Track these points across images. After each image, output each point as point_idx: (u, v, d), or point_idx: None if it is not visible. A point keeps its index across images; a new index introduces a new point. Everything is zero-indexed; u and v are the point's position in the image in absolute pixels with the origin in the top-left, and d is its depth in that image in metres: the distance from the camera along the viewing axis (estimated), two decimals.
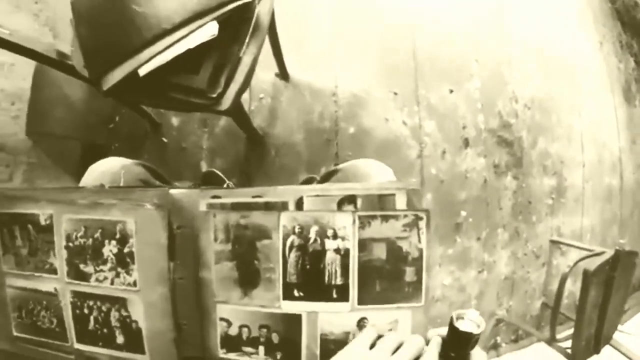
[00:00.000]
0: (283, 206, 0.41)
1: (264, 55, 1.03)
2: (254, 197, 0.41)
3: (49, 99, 1.10)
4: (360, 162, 0.60)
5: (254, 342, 0.42)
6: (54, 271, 0.42)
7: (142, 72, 0.70)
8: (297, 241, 0.42)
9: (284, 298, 0.42)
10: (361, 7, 1.25)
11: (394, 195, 0.43)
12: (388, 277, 0.42)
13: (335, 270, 0.42)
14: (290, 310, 0.42)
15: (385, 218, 0.41)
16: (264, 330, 0.42)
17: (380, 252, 0.42)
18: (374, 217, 0.41)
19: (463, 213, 1.26)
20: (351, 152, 1.10)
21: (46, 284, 0.43)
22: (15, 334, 0.44)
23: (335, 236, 0.42)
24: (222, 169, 1.01)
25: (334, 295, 0.42)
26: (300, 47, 1.12)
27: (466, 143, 1.29)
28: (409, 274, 0.43)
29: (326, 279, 0.42)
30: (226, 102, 0.74)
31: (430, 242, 0.43)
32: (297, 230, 0.41)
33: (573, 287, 1.41)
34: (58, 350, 0.43)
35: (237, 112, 0.86)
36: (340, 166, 0.62)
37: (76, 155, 1.09)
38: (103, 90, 0.72)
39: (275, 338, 0.42)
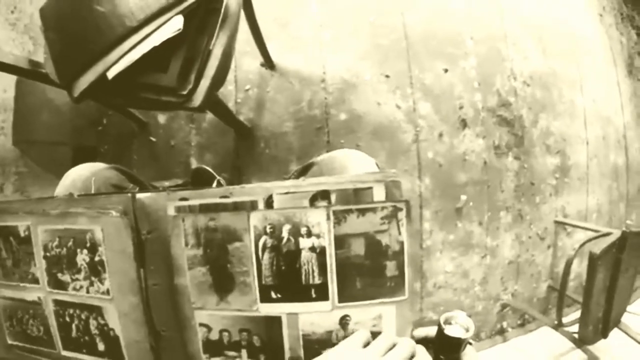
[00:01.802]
0: (252, 205, 0.39)
1: (248, 45, 1.00)
2: (221, 197, 0.39)
3: (34, 106, 1.08)
4: (338, 153, 0.57)
5: (236, 346, 0.41)
6: (36, 281, 0.42)
7: (110, 74, 0.68)
8: (269, 242, 0.40)
9: (262, 301, 0.41)
10: None
11: (370, 188, 0.40)
12: (368, 273, 0.40)
13: (313, 270, 0.40)
14: (269, 312, 0.41)
15: (362, 212, 0.39)
16: (245, 334, 0.41)
17: (358, 247, 0.40)
18: (349, 211, 0.39)
19: (463, 197, 1.22)
20: (343, 140, 1.07)
21: (30, 294, 0.43)
22: (9, 342, 0.45)
23: (309, 234, 0.40)
24: (212, 164, 0.99)
25: (313, 295, 0.41)
26: (284, 32, 1.08)
27: (464, 124, 1.25)
28: (390, 268, 0.40)
29: (303, 278, 0.40)
30: (197, 99, 0.71)
31: (415, 234, 0.41)
32: (268, 230, 0.40)
33: (579, 268, 1.37)
34: (48, 357, 0.44)
35: (215, 106, 0.84)
36: (317, 159, 0.60)
37: (67, 159, 1.08)
38: (74, 97, 0.71)
39: (256, 341, 0.41)
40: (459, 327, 0.37)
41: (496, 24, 1.32)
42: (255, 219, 0.39)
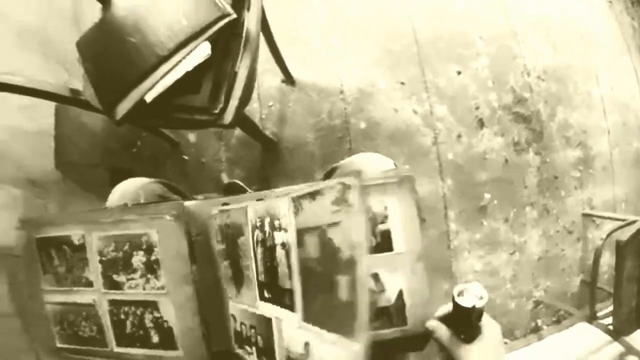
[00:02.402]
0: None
1: (268, 62, 1.06)
2: (257, 200, 0.42)
3: (72, 131, 1.17)
4: (357, 156, 0.61)
5: (249, 342, 0.43)
6: (90, 284, 0.47)
7: (148, 98, 0.75)
8: (259, 235, 0.40)
9: (260, 298, 0.41)
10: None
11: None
12: (323, 287, 0.33)
13: (285, 270, 0.37)
14: (264, 312, 0.40)
15: (313, 195, 0.35)
16: (253, 330, 0.42)
17: (312, 248, 0.34)
18: (304, 196, 0.36)
19: (487, 195, 1.23)
20: (364, 147, 1.10)
21: (84, 297, 0.47)
22: (58, 345, 0.49)
23: (280, 227, 0.37)
24: (241, 178, 1.04)
25: (287, 302, 0.37)
26: (295, 46, 1.14)
27: (481, 124, 1.27)
28: (342, 286, 0.30)
29: (279, 280, 0.37)
30: (228, 116, 0.78)
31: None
32: (258, 223, 0.40)
33: (612, 259, 1.35)
34: (99, 356, 0.47)
35: (243, 122, 0.89)
36: (339, 163, 0.64)
37: (105, 180, 1.15)
38: (116, 120, 0.77)
39: (260, 341, 0.41)
40: (472, 296, 0.36)
41: (502, 22, 1.35)
42: (251, 212, 0.41)
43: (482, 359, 0.36)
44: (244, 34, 0.82)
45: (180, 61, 0.74)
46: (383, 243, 0.40)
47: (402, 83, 1.21)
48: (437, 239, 1.18)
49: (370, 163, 0.57)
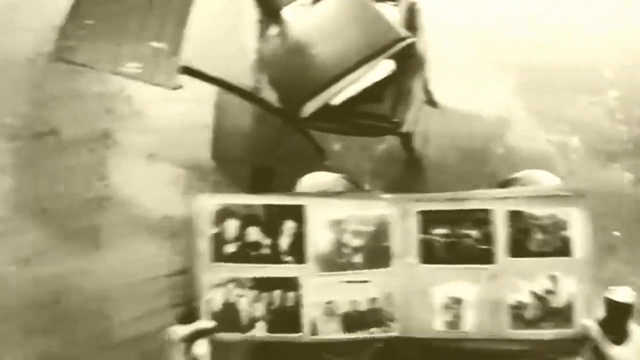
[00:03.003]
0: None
1: None
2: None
3: (227, 128, 1.31)
4: (530, 172, 0.69)
5: None
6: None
7: (336, 102, 0.86)
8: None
9: None
10: (496, 28, 1.29)
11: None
12: None
13: None
14: None
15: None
16: None
17: None
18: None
19: (616, 233, 1.21)
20: (501, 172, 1.13)
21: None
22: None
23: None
24: (382, 189, 1.11)
25: None
26: (443, 71, 1.19)
27: (612, 157, 1.25)
28: None
29: None
30: (407, 126, 0.88)
31: None
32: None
33: None
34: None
35: (407, 135, 0.97)
36: (516, 175, 0.70)
37: (246, 176, 1.28)
38: (301, 118, 0.88)
39: None
40: (624, 295, 0.39)
41: (634, 51, 1.31)
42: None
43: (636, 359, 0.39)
44: (416, 55, 0.91)
45: (365, 73, 0.85)
46: (563, 248, 0.45)
47: (538, 112, 1.22)
48: None
49: (544, 177, 0.65)
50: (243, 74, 1.14)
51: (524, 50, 1.28)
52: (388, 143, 1.15)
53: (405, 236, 0.47)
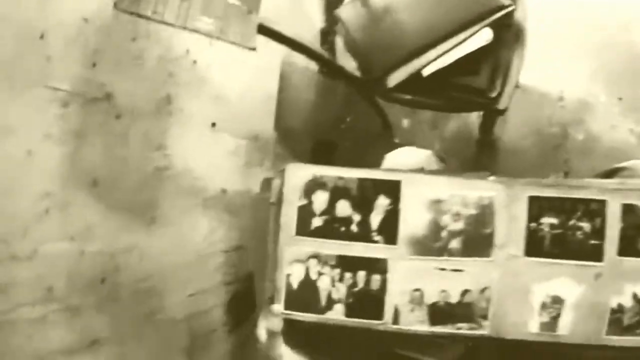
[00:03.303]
0: None
1: None
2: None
3: (292, 99, 1.29)
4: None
5: None
6: None
7: (425, 72, 0.80)
8: None
9: None
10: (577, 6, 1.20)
11: None
12: None
13: None
14: None
15: None
16: None
17: None
18: None
19: None
20: (578, 160, 1.08)
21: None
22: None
23: None
24: (451, 170, 1.08)
25: None
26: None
27: None
28: None
29: None
30: (504, 102, 0.82)
31: None
32: None
33: None
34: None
35: (502, 112, 0.92)
36: (625, 164, 0.65)
37: (307, 150, 1.26)
38: (387, 88, 0.84)
39: None
40: None
41: None
42: None
43: None
44: (516, 25, 0.85)
45: (460, 43, 0.79)
46: None
47: (620, 99, 1.15)
48: None
49: None
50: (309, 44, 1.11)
51: (606, 33, 1.19)
52: (459, 121, 1.11)
53: (511, 224, 0.42)
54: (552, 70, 1.13)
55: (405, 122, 1.14)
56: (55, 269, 0.64)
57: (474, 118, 1.08)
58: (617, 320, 0.41)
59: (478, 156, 1.07)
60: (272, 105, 1.25)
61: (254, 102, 1.27)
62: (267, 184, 0.48)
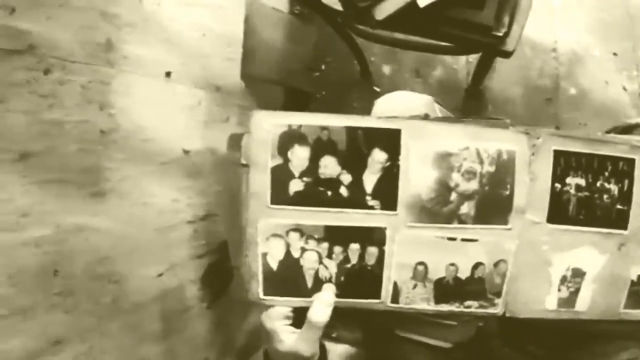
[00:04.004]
0: None
1: None
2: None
3: (260, 44, 1.14)
4: None
5: None
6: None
7: (422, 3, 0.67)
8: None
9: None
10: None
11: None
12: None
13: None
14: None
15: None
16: None
17: None
18: None
19: None
20: (568, 115, 1.01)
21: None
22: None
23: None
24: None
25: None
26: None
27: None
28: None
29: None
30: (511, 43, 0.71)
31: None
32: None
33: None
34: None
35: (493, 57, 0.82)
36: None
37: (279, 101, 1.13)
38: (375, 21, 0.71)
39: None
40: None
41: None
42: None
43: None
44: None
45: None
46: None
47: (615, 54, 1.08)
48: None
49: None
50: None
51: None
52: (443, 69, 1.01)
53: (533, 184, 0.35)
54: (547, 19, 1.05)
55: (387, 69, 1.03)
56: None
57: (462, 65, 0.99)
58: (635, 293, 0.36)
59: (464, 107, 0.98)
60: (237, 51, 1.11)
61: (214, 46, 1.11)
62: (235, 140, 0.36)
